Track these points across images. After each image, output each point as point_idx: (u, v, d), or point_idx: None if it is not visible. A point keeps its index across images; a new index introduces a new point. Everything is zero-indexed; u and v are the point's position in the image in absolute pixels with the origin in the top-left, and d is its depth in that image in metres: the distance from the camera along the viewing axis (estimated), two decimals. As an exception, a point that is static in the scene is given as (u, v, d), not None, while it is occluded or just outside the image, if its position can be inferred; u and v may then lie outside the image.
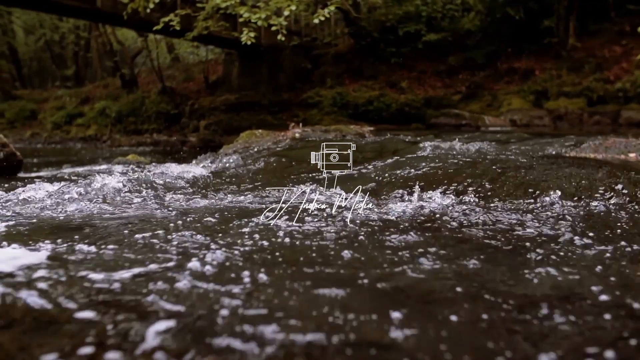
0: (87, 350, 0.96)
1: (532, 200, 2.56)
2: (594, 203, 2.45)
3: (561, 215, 2.26)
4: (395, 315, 1.13)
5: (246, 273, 1.40)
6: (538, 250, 1.71)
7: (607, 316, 1.15)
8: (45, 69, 32.00)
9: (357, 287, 1.32)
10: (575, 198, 2.54)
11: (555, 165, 3.23)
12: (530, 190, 2.71)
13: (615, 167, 3.01)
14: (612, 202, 2.47)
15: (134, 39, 24.32)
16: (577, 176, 2.83)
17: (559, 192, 2.55)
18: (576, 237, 1.85)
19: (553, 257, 1.63)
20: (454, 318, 1.13)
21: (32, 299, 1.22)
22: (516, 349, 0.99)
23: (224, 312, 1.13)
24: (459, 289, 1.32)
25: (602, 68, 14.54)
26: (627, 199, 2.47)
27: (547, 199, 2.50)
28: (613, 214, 2.29)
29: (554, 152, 4.30)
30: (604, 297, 1.27)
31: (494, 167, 3.19)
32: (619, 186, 2.61)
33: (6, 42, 28.43)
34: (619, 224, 2.11)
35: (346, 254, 1.63)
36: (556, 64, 15.38)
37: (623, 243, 1.80)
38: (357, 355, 0.96)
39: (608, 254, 1.67)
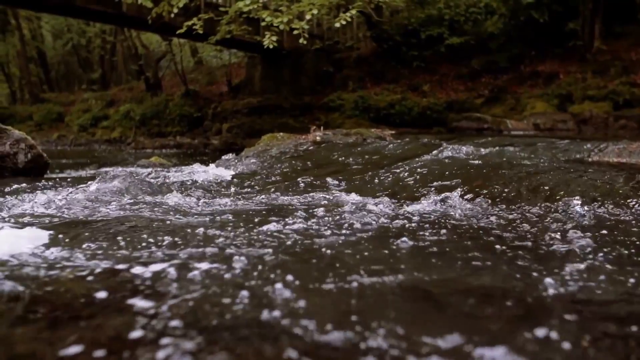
0: (105, 344, 0.99)
1: (552, 205, 2.53)
2: (616, 208, 2.42)
3: (581, 220, 2.24)
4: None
5: (261, 273, 1.42)
6: (555, 255, 1.70)
7: (614, 326, 1.14)
8: (72, 73, 32.66)
9: (373, 286, 1.33)
10: (597, 203, 2.51)
11: (577, 169, 3.20)
12: (550, 194, 2.69)
13: (638, 172, 2.97)
14: (636, 207, 2.43)
15: (159, 43, 24.65)
16: (598, 181, 2.79)
17: (579, 197, 2.52)
18: (596, 244, 1.83)
19: (570, 263, 1.61)
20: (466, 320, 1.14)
21: (53, 293, 1.26)
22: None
23: (236, 309, 1.16)
24: (473, 292, 1.32)
25: (628, 71, 14.25)
26: (650, 204, 2.43)
27: (568, 203, 2.47)
28: (636, 220, 2.25)
29: (576, 157, 4.24)
30: (613, 306, 1.27)
31: (513, 170, 3.17)
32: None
33: (35, 46, 29.15)
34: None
35: (361, 254, 1.65)
36: (581, 67, 15.13)
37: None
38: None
39: (628, 261, 1.66)
